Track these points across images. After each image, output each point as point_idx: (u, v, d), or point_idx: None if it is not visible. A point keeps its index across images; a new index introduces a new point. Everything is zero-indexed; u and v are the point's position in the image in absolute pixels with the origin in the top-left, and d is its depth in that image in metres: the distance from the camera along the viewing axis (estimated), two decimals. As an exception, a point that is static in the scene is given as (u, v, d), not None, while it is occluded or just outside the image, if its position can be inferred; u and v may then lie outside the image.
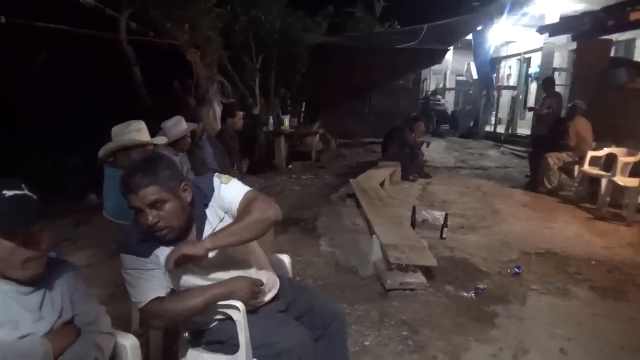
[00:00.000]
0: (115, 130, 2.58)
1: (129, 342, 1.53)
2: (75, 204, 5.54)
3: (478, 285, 3.49)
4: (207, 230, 1.75)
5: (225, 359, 1.78)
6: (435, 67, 15.71)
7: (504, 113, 13.87)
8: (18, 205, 1.25)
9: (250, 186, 1.86)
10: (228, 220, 1.79)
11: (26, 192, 1.28)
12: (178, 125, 3.44)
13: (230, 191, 1.81)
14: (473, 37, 13.26)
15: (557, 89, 8.28)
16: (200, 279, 1.73)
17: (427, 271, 3.57)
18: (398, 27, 14.68)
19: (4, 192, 1.24)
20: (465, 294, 3.39)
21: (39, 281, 1.35)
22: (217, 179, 1.83)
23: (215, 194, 1.80)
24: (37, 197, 1.30)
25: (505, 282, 3.62)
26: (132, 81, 6.44)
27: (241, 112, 5.19)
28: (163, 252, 1.67)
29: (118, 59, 6.36)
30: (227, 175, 1.87)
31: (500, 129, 13.32)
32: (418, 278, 3.45)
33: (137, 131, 2.57)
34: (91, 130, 2.58)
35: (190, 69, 6.84)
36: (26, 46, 6.65)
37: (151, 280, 1.66)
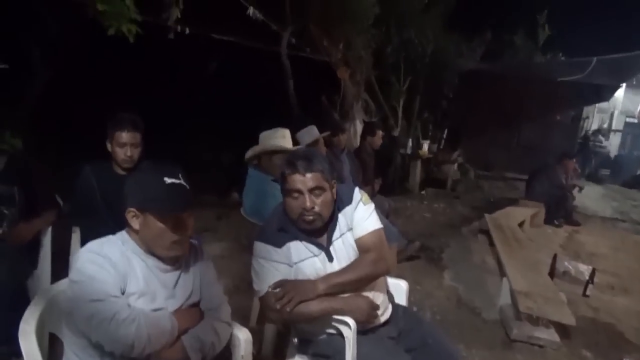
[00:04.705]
0: (263, 135, 2.78)
1: (243, 336, 1.61)
2: (220, 197, 6.06)
3: (623, 358, 3.00)
4: (336, 236, 1.79)
5: (330, 373, 1.78)
6: (601, 104, 14.07)
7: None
8: (175, 193, 1.39)
9: (379, 206, 1.85)
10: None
11: (182, 181, 1.42)
12: (309, 133, 3.59)
13: (364, 215, 1.82)
14: (653, 74, 11.60)
15: None
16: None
17: (561, 329, 3.18)
18: (562, 58, 13.42)
19: (165, 178, 1.39)
20: (607, 365, 2.95)
21: (178, 262, 1.49)
22: (358, 194, 1.86)
23: (351, 206, 1.82)
24: (189, 188, 1.44)
25: (661, 362, 3.07)
26: (286, 91, 6.90)
27: (381, 132, 5.19)
28: (296, 246, 1.75)
29: (275, 70, 6.89)
30: (367, 196, 1.89)
31: (676, 183, 11.42)
32: (550, 335, 3.09)
33: (282, 138, 2.74)
34: (245, 132, 2.85)
35: (339, 84, 7.10)
36: (198, 54, 7.59)
37: (275, 273, 1.73)
